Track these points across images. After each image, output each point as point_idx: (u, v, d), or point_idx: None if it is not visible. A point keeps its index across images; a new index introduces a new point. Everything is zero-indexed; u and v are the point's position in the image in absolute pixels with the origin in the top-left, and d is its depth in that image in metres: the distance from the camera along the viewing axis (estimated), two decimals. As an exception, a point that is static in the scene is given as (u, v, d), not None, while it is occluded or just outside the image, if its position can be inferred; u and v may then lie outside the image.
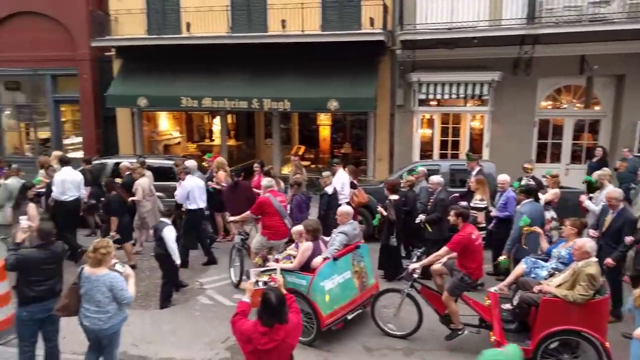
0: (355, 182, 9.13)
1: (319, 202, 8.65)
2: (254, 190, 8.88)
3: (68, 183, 8.47)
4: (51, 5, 13.77)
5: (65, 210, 8.41)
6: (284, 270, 5.59)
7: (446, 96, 11.69)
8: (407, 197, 7.99)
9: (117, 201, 8.08)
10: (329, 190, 8.49)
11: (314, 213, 8.80)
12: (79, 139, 14.85)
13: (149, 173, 9.38)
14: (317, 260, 5.89)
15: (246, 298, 3.87)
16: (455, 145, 12.23)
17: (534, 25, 10.45)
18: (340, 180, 8.70)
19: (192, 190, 8.43)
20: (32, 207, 7.43)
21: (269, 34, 12.26)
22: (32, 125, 15.34)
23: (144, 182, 8.91)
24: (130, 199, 8.67)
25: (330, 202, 8.34)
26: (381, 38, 11.47)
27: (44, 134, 15.23)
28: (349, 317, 6.02)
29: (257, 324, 3.42)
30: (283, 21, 12.04)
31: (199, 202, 8.51)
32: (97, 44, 13.17)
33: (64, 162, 8.89)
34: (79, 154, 14.31)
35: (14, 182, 8.08)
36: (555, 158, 12.09)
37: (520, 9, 10.72)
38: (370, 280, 6.61)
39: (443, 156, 12.05)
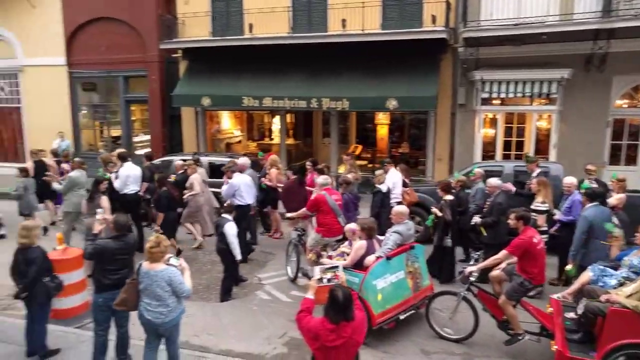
0: (407, 181, 9.03)
1: (372, 200, 8.66)
2: (307, 188, 9.01)
3: (131, 177, 9.02)
4: (126, 11, 14.57)
5: (127, 203, 8.93)
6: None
7: (511, 95, 11.26)
8: (459, 198, 7.83)
9: (166, 197, 8.40)
10: (382, 188, 8.48)
11: (364, 213, 8.80)
12: (147, 137, 15.64)
13: (201, 170, 9.76)
14: (370, 259, 5.92)
15: (310, 295, 3.91)
16: (520, 145, 11.75)
17: (610, 19, 9.82)
18: (391, 180, 8.71)
19: (239, 187, 8.66)
20: (104, 200, 7.94)
21: (329, 34, 12.34)
22: (106, 124, 16.32)
23: (198, 177, 9.26)
24: (189, 194, 9.05)
25: (383, 201, 8.34)
26: (443, 36, 11.23)
27: (115, 131, 16.16)
28: (401, 317, 6.00)
29: (324, 321, 3.46)
30: (343, 20, 12.07)
31: (247, 198, 8.69)
32: (165, 46, 13.80)
33: (124, 158, 9.43)
34: (147, 151, 15.08)
35: (77, 175, 8.83)
36: (631, 160, 11.31)
37: (594, 2, 10.12)
38: (424, 281, 6.53)
39: (506, 157, 11.61)
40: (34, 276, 5.16)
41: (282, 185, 9.56)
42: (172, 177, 9.52)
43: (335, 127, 13.76)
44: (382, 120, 14.58)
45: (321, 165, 9.83)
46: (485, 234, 7.29)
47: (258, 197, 9.55)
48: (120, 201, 8.90)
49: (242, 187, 8.70)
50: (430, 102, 11.43)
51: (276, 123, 15.73)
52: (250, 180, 8.98)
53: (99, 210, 6.26)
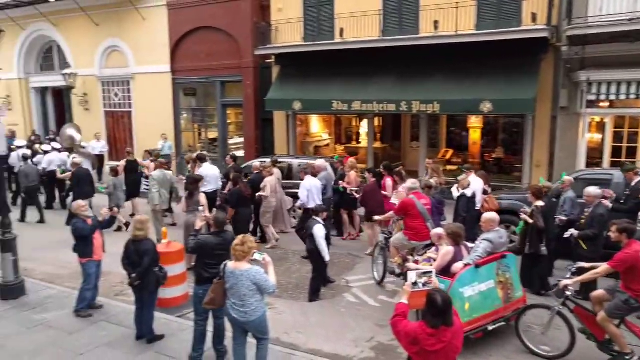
0: (486, 188, 8.72)
1: (456, 206, 8.43)
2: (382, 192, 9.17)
3: (209, 177, 9.70)
4: (224, 20, 15.40)
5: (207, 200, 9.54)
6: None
7: (622, 97, 10.31)
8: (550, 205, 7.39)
9: (237, 194, 8.93)
10: (467, 192, 8.21)
11: (449, 219, 8.59)
12: (241, 139, 16.39)
13: (277, 172, 10.08)
14: (457, 266, 5.75)
15: (404, 299, 3.90)
16: (632, 152, 10.73)
17: None
18: (472, 187, 8.52)
19: (310, 190, 8.98)
20: (203, 197, 8.46)
21: (420, 36, 12.14)
22: (203, 127, 17.36)
23: (272, 180, 9.59)
24: (258, 194, 9.49)
25: (468, 206, 8.11)
26: (545, 35, 10.58)
27: (212, 134, 17.13)
28: (490, 328, 5.77)
29: (423, 326, 3.45)
30: (435, 22, 11.82)
31: (317, 201, 8.98)
32: (260, 52, 14.38)
33: (202, 159, 10.21)
34: (241, 153, 15.83)
35: (159, 174, 9.74)
36: None
37: None
38: (516, 292, 6.20)
39: (615, 165, 10.64)
40: (147, 266, 5.63)
41: (358, 188, 9.65)
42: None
43: (424, 130, 13.50)
44: (475, 124, 14.03)
45: (399, 168, 9.83)
46: (585, 247, 6.77)
47: (333, 200, 9.78)
48: None
49: (313, 189, 9.09)
50: (529, 104, 10.81)
51: (364, 126, 15.74)
52: (319, 184, 9.28)
53: (200, 208, 6.69)
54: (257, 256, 4.76)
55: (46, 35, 19.83)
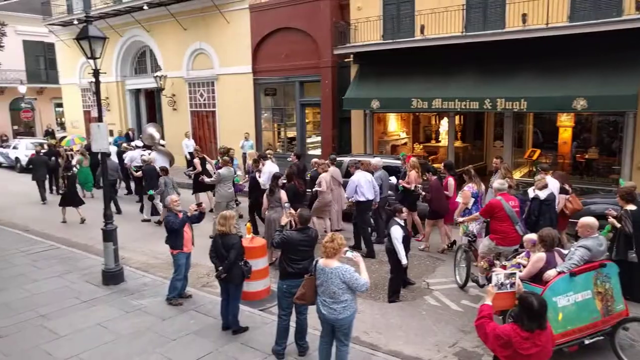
0: (567, 187, 8.30)
1: (528, 208, 7.95)
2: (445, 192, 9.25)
3: (270, 174, 9.98)
4: (303, 20, 15.68)
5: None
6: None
7: None
8: None
9: (291, 190, 9.20)
10: (541, 195, 7.75)
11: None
12: (318, 138, 16.61)
13: (333, 169, 10.25)
14: (550, 273, 5.39)
15: (488, 301, 3.82)
16: None
17: None
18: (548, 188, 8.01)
19: (359, 184, 9.19)
20: (283, 193, 8.67)
21: (507, 31, 11.58)
22: (282, 126, 17.80)
23: (327, 176, 9.85)
24: (315, 188, 9.81)
25: (541, 208, 7.66)
26: (650, 24, 9.68)
27: (291, 133, 17.52)
28: (587, 341, 5.37)
29: (517, 329, 3.37)
30: (524, 15, 11.22)
31: (367, 194, 9.23)
32: (339, 51, 14.46)
33: (265, 157, 10.78)
34: (317, 152, 16.04)
35: (224, 171, 10.34)
36: None
37: None
38: (617, 305, 5.70)
39: None
40: (233, 260, 5.87)
41: (420, 185, 9.55)
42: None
43: (509, 129, 12.87)
44: (565, 122, 13.16)
45: (468, 167, 9.58)
46: None
47: (395, 199, 9.86)
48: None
49: (363, 183, 9.22)
50: (630, 101, 9.93)
51: (444, 125, 15.34)
52: (370, 177, 9.42)
53: (285, 204, 6.87)
54: (348, 254, 4.78)
55: (140, 41, 21.32)
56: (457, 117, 14.36)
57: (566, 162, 12.80)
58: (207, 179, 11.31)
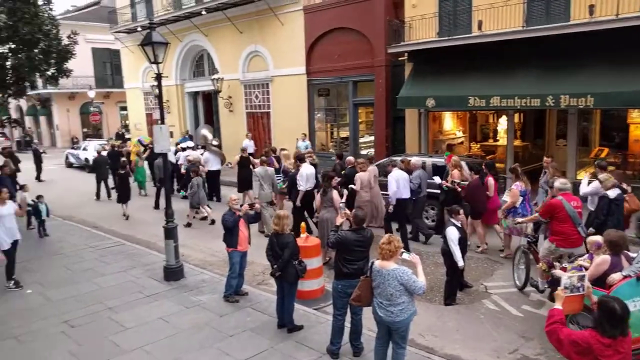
0: (625, 187, 7.82)
1: (597, 207, 7.56)
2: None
3: (306, 176, 10.14)
4: (357, 20, 15.64)
5: (307, 197, 10.01)
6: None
7: None
8: None
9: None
10: (610, 194, 7.33)
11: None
12: (371, 138, 16.51)
13: (372, 168, 10.10)
14: (615, 277, 5.05)
15: (558, 305, 3.67)
16: None
17: None
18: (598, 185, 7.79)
19: (397, 181, 9.34)
20: (335, 193, 8.68)
21: (572, 24, 11.00)
22: (335, 126, 17.84)
23: (363, 175, 9.69)
24: (350, 186, 9.85)
25: (610, 208, 7.24)
26: None
27: (344, 133, 17.52)
28: None
29: (597, 335, 3.23)
30: (591, 7, 10.61)
31: (403, 192, 9.43)
32: (393, 50, 14.29)
33: (301, 159, 10.72)
34: (371, 151, 15.95)
35: (260, 170, 10.74)
36: None
37: None
38: None
39: None
40: (287, 259, 5.95)
41: (457, 181, 9.51)
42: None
43: (573, 127, 12.24)
44: (637, 119, 12.35)
45: (515, 165, 9.41)
46: None
47: (439, 198, 9.95)
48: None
49: (400, 181, 9.40)
50: None
51: (502, 123, 14.82)
52: (407, 176, 9.63)
53: (340, 205, 6.89)
54: (405, 255, 4.73)
55: (198, 45, 22.06)
56: (516, 115, 13.83)
57: (638, 162, 12.00)
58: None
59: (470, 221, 9.19)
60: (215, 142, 15.92)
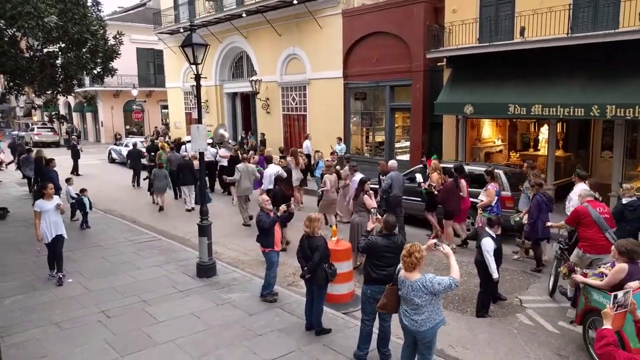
0: (597, 196, 8.00)
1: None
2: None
3: (271, 175, 11.14)
4: (396, 24, 15.55)
5: (272, 193, 10.42)
6: (589, 286, 5.64)
7: None
8: None
9: (279, 194, 10.11)
10: (624, 200, 7.41)
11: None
12: (407, 143, 16.35)
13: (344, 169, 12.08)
14: (632, 285, 5.02)
15: (608, 325, 3.50)
16: None
17: None
18: (576, 193, 8.18)
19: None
20: (367, 198, 8.63)
21: (621, 31, 10.59)
22: (371, 130, 17.76)
23: (331, 177, 11.24)
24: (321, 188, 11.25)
25: (623, 214, 7.34)
26: None
27: (379, 137, 17.43)
28: None
29: None
30: (642, 13, 10.20)
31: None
32: (432, 55, 14.13)
33: (269, 160, 12.03)
34: (406, 157, 15.79)
35: (242, 166, 11.70)
36: None
37: None
38: None
39: None
40: (317, 261, 5.97)
41: (433, 184, 10.30)
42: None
43: (620, 138, 11.74)
44: (689, 132, 11.76)
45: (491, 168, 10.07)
46: None
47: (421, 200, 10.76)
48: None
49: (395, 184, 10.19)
50: None
51: (543, 133, 14.39)
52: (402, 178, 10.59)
53: (372, 209, 6.86)
54: (439, 247, 4.73)
55: (238, 47, 22.45)
56: (558, 125, 13.41)
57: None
58: (228, 178, 12.70)
59: (446, 222, 10.02)
60: (231, 141, 16.94)
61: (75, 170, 20.42)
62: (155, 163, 14.93)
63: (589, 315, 5.73)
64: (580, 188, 7.85)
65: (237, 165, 11.97)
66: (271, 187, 10.91)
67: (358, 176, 10.56)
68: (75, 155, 20.83)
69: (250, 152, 15.20)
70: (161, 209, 13.83)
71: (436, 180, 10.35)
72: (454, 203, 9.78)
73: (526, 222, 8.66)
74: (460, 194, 9.81)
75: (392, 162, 11.15)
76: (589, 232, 6.81)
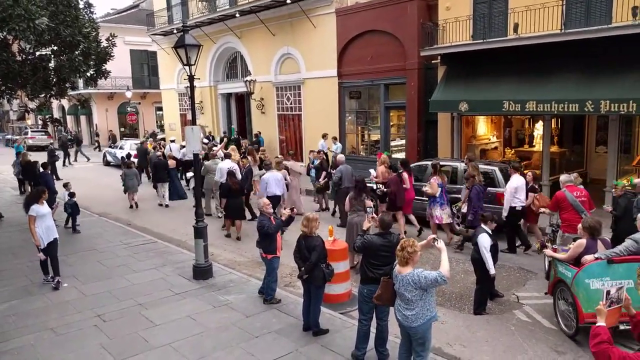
0: (535, 186, 9.50)
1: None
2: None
3: (222, 170, 11.60)
4: (390, 22, 15.52)
5: (223, 188, 11.19)
6: (555, 260, 6.36)
7: None
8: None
9: (226, 187, 10.73)
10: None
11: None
12: (402, 141, 16.34)
13: (291, 163, 13.20)
14: (587, 258, 5.89)
15: (602, 322, 3.50)
16: None
17: None
18: (513, 185, 9.13)
19: (268, 180, 10.95)
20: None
21: (614, 26, 10.59)
22: (366, 129, 17.74)
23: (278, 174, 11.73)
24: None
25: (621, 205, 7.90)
26: None
27: (374, 136, 17.40)
28: (622, 327, 5.34)
29: None
30: (634, 9, 10.21)
31: (276, 190, 10.97)
32: (426, 53, 14.11)
33: (227, 156, 12.87)
34: (401, 155, 15.77)
35: (210, 163, 12.62)
36: None
37: None
38: None
39: None
40: (314, 261, 5.94)
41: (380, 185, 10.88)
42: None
43: (614, 133, 11.77)
44: (683, 126, 11.81)
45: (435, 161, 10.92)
46: None
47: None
48: None
49: (272, 180, 10.96)
50: None
51: (538, 129, 14.40)
52: (281, 176, 11.35)
53: (368, 209, 6.84)
54: (436, 243, 4.81)
55: (232, 47, 22.38)
56: (553, 121, 13.42)
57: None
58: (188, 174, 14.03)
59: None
60: (205, 140, 17.76)
61: (64, 161, 22.65)
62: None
63: (557, 285, 6.40)
64: (515, 179, 9.06)
65: (206, 162, 13.00)
66: (223, 180, 11.33)
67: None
68: (64, 148, 22.86)
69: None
70: (136, 205, 14.47)
71: (380, 174, 11.10)
72: (400, 195, 10.37)
73: (465, 210, 9.48)
74: (404, 186, 10.36)
75: (340, 157, 12.30)
76: (567, 214, 7.81)
